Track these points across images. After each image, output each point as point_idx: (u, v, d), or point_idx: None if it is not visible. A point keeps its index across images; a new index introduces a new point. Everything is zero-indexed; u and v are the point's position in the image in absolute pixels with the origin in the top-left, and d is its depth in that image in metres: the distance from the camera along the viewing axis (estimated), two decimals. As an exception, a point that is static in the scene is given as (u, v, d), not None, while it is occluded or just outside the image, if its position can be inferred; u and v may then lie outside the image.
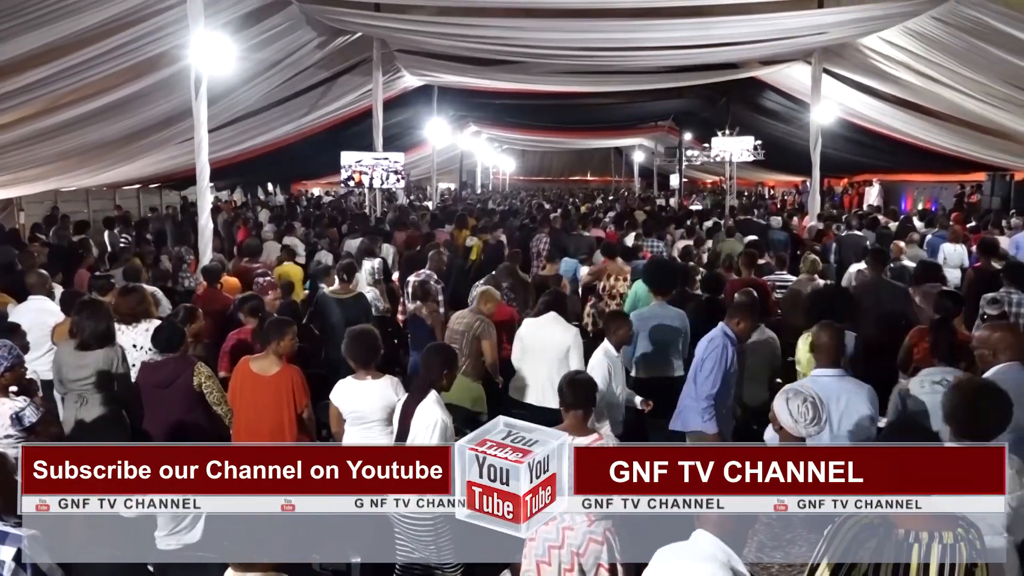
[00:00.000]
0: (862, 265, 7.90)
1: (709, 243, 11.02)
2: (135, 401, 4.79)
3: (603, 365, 4.90)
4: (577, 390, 3.55)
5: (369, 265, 9.02)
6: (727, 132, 21.31)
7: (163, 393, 4.71)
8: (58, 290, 6.65)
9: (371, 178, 15.12)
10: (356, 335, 4.48)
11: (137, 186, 19.44)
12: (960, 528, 2.43)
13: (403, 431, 3.93)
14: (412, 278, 7.74)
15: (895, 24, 10.98)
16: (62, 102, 9.86)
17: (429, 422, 3.82)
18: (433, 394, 3.96)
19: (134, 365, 5.08)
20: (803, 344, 5.16)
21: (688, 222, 13.00)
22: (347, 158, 15.05)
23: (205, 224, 8.61)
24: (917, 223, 13.08)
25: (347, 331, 4.61)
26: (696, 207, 21.47)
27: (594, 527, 3.42)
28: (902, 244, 9.34)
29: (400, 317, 8.02)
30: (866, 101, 15.55)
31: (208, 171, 8.64)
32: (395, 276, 9.20)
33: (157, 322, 5.38)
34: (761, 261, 8.46)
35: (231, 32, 9.42)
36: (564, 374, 3.95)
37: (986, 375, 3.90)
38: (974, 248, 9.57)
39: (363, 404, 4.35)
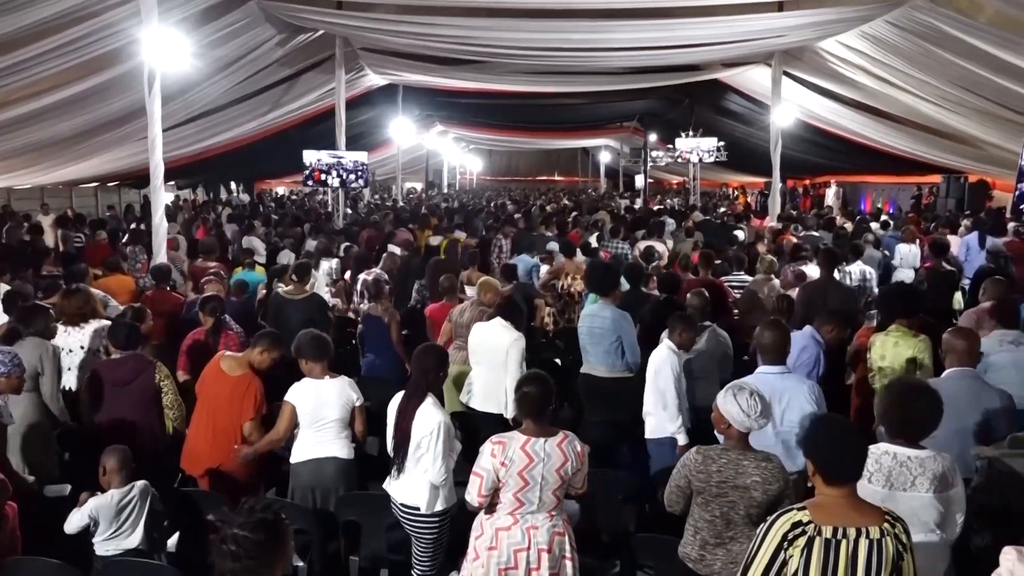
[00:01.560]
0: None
1: (670, 243, 11.09)
2: (93, 397, 4.70)
3: (669, 362, 4.86)
4: (534, 395, 3.46)
5: (327, 266, 8.96)
6: (691, 133, 21.52)
7: (122, 391, 4.65)
8: (2, 289, 6.49)
9: (334, 177, 14.98)
10: (312, 334, 4.46)
11: (95, 184, 19.09)
12: (886, 523, 2.47)
13: (403, 435, 3.86)
14: (362, 276, 7.70)
15: (852, 28, 11.16)
16: (12, 98, 9.64)
17: (432, 426, 3.77)
18: (431, 396, 3.91)
19: (81, 368, 4.98)
20: (879, 345, 4.97)
21: (651, 221, 13.07)
22: (309, 157, 14.91)
23: (159, 223, 8.44)
24: (873, 224, 13.29)
25: (301, 332, 4.55)
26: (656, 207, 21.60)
27: (555, 521, 3.46)
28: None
29: (352, 316, 7.97)
30: (826, 104, 15.79)
31: (162, 169, 8.47)
32: (347, 275, 9.12)
33: (107, 323, 5.27)
34: (718, 261, 8.53)
35: (188, 28, 9.27)
36: (522, 376, 3.88)
37: (939, 378, 3.98)
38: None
39: (323, 404, 4.30)
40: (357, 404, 4.40)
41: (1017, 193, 7.92)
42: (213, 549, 2.24)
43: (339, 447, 4.34)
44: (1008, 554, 2.22)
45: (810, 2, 11.03)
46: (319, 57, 14.45)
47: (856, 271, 8.04)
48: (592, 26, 12.10)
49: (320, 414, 4.30)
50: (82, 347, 5.22)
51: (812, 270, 7.84)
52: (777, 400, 3.93)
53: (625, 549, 4.01)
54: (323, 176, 14.89)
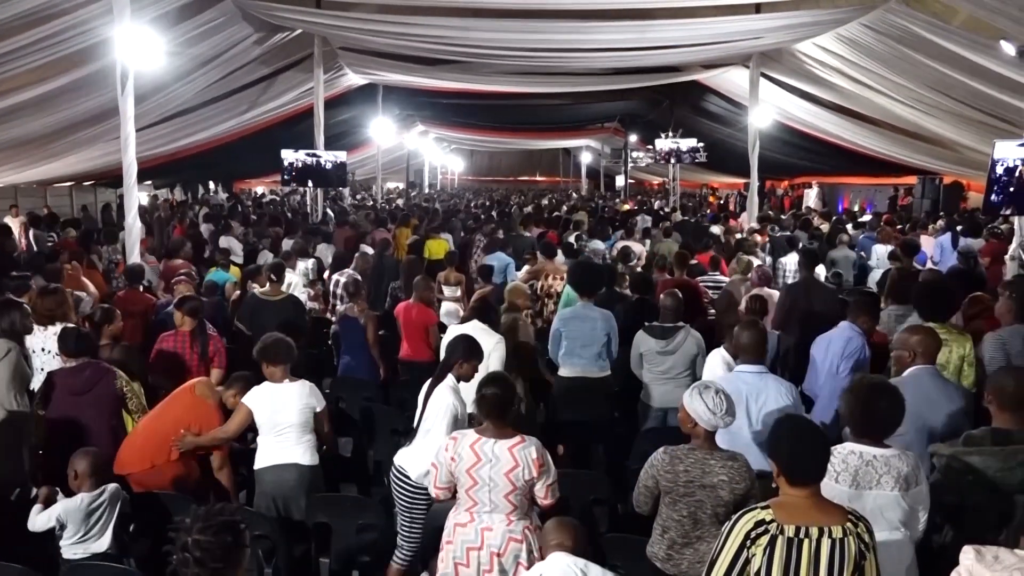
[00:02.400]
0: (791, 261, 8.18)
1: (648, 243, 11.15)
2: (45, 405, 4.58)
3: (722, 370, 4.86)
4: (492, 396, 3.48)
5: (303, 266, 8.90)
6: (671, 134, 21.63)
7: (80, 400, 4.50)
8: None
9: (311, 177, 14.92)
10: (275, 337, 4.41)
11: (70, 183, 18.85)
12: (849, 522, 2.48)
13: (422, 410, 4.09)
14: (336, 277, 7.66)
15: (828, 30, 11.26)
16: (-19, 96, 9.50)
17: (441, 407, 3.99)
18: (450, 379, 4.09)
19: (42, 369, 4.90)
20: (956, 346, 4.72)
21: (629, 222, 13.13)
22: (287, 156, 14.82)
23: (132, 223, 8.34)
24: (849, 225, 13.43)
25: (266, 335, 4.49)
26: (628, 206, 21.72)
27: (513, 526, 3.42)
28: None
29: (328, 317, 7.93)
30: (804, 106, 15.91)
31: (135, 168, 8.37)
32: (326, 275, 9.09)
33: (71, 326, 5.19)
34: (693, 262, 8.57)
35: (163, 26, 9.18)
36: (486, 375, 3.92)
37: (901, 377, 4.02)
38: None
39: (280, 409, 4.24)
40: (318, 409, 4.31)
41: (988, 194, 8.02)
42: (173, 559, 2.21)
43: (300, 453, 4.26)
44: (967, 553, 2.25)
45: (787, 5, 11.13)
46: (297, 56, 14.34)
47: (791, 263, 8.43)
48: (572, 27, 12.14)
49: (278, 419, 4.24)
50: (44, 348, 5.13)
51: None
52: (754, 399, 3.96)
53: (595, 549, 4.01)
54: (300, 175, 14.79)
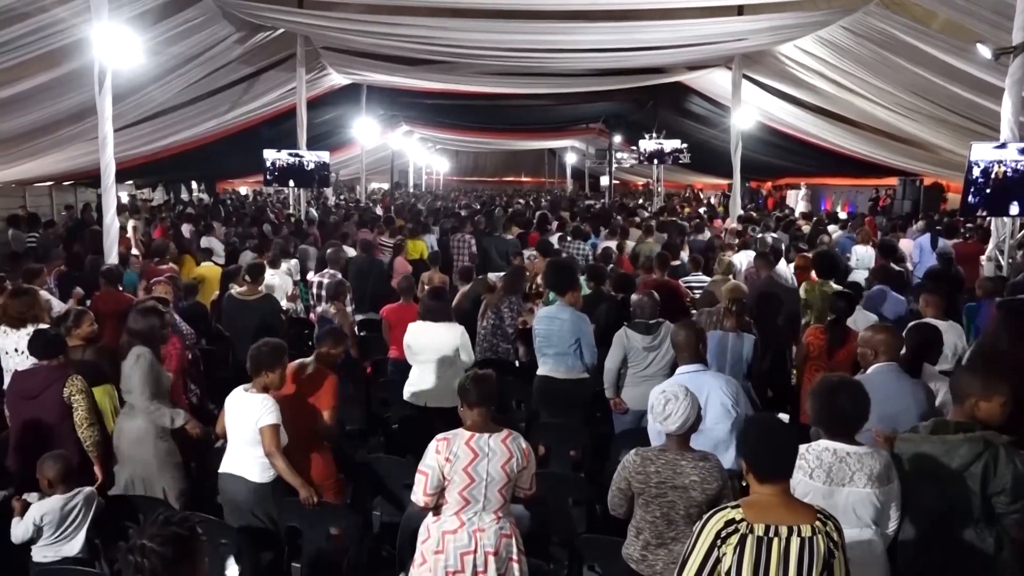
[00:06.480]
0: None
1: (631, 244, 11.15)
2: None
3: None
4: (481, 386, 3.49)
5: (286, 266, 8.86)
6: (654, 135, 21.69)
7: (30, 404, 4.40)
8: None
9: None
10: (260, 343, 4.29)
11: (49, 183, 18.64)
12: (818, 521, 2.50)
13: None
14: (317, 278, 7.65)
15: (809, 33, 11.35)
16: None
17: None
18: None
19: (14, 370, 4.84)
20: None
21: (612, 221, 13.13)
22: (269, 155, 14.74)
23: (110, 223, 8.26)
24: (831, 226, 13.52)
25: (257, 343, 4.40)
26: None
27: (502, 523, 3.43)
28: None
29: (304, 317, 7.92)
30: (786, 107, 16.03)
31: (113, 168, 8.29)
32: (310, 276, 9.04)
33: (45, 326, 5.13)
34: (675, 262, 8.60)
35: (144, 25, 9.10)
36: (468, 372, 3.92)
37: (865, 373, 4.07)
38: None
39: (236, 418, 4.17)
40: (261, 424, 4.04)
41: (965, 195, 8.10)
42: (119, 559, 2.18)
43: (248, 467, 4.14)
44: None
45: (769, 7, 11.20)
46: (280, 56, 14.27)
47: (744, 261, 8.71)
48: (557, 28, 12.17)
49: (233, 427, 4.18)
50: (17, 350, 5.07)
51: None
52: (699, 397, 3.97)
53: (572, 550, 4.01)
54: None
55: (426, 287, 8.54)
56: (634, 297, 5.67)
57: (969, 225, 12.06)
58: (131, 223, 12.55)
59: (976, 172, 7.85)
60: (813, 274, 7.27)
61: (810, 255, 8.27)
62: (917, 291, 6.10)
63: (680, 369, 4.35)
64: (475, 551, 3.37)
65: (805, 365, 5.56)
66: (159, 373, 4.59)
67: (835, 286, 6.97)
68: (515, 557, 3.45)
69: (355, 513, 4.40)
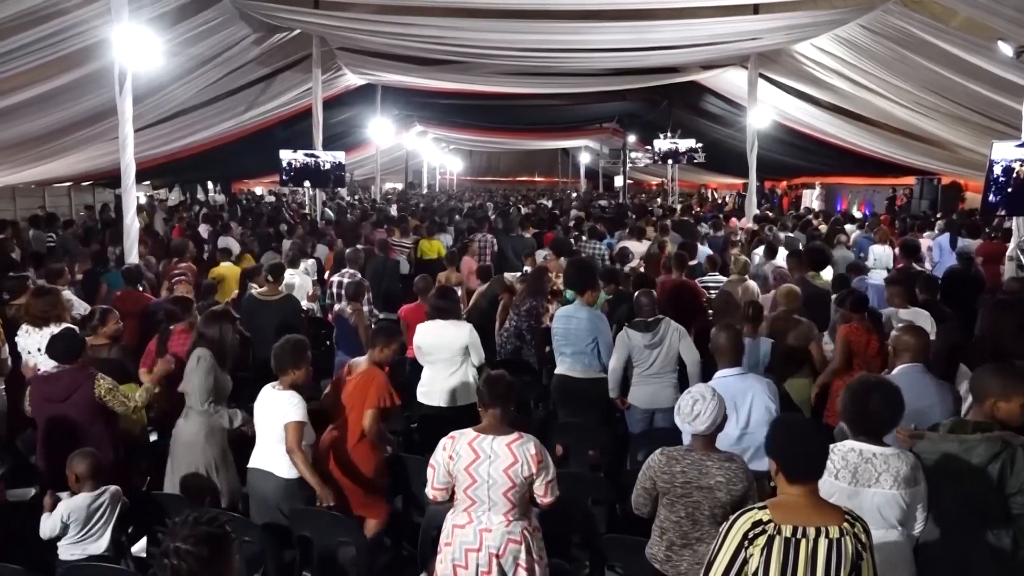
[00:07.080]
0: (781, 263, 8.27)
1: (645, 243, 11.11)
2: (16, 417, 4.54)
3: None
4: (495, 387, 3.49)
5: (303, 266, 8.91)
6: (669, 134, 21.63)
7: (58, 407, 4.41)
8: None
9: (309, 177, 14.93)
10: (283, 341, 4.34)
11: (68, 184, 18.83)
12: (846, 522, 2.48)
13: None
14: (336, 277, 7.66)
15: (826, 31, 11.26)
16: (-22, 96, 9.48)
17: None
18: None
19: (37, 367, 4.89)
20: None
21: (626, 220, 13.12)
22: (285, 156, 14.81)
23: (131, 223, 8.34)
24: (848, 226, 13.42)
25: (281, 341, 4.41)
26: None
27: (512, 527, 3.40)
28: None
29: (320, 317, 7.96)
30: (802, 106, 15.93)
31: (133, 169, 8.37)
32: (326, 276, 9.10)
33: (69, 326, 5.18)
34: (693, 262, 8.57)
35: (163, 26, 9.17)
36: (485, 373, 3.92)
37: (891, 374, 4.04)
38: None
39: (264, 414, 4.24)
40: (286, 421, 4.11)
41: (985, 195, 8.03)
42: (154, 563, 2.19)
43: (276, 463, 4.20)
44: None
45: (785, 6, 11.14)
46: (296, 56, 14.34)
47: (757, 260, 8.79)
48: (571, 27, 12.14)
49: (262, 424, 4.25)
50: (39, 349, 5.11)
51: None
52: (742, 401, 3.97)
53: (594, 550, 4.01)
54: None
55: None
56: (635, 296, 5.66)
57: (995, 223, 11.94)
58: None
59: (997, 171, 7.79)
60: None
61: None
62: (887, 285, 6.37)
63: (720, 372, 4.28)
64: (479, 550, 3.37)
65: (843, 362, 5.42)
66: (218, 376, 4.60)
67: (824, 278, 7.46)
68: (523, 563, 3.39)
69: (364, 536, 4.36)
